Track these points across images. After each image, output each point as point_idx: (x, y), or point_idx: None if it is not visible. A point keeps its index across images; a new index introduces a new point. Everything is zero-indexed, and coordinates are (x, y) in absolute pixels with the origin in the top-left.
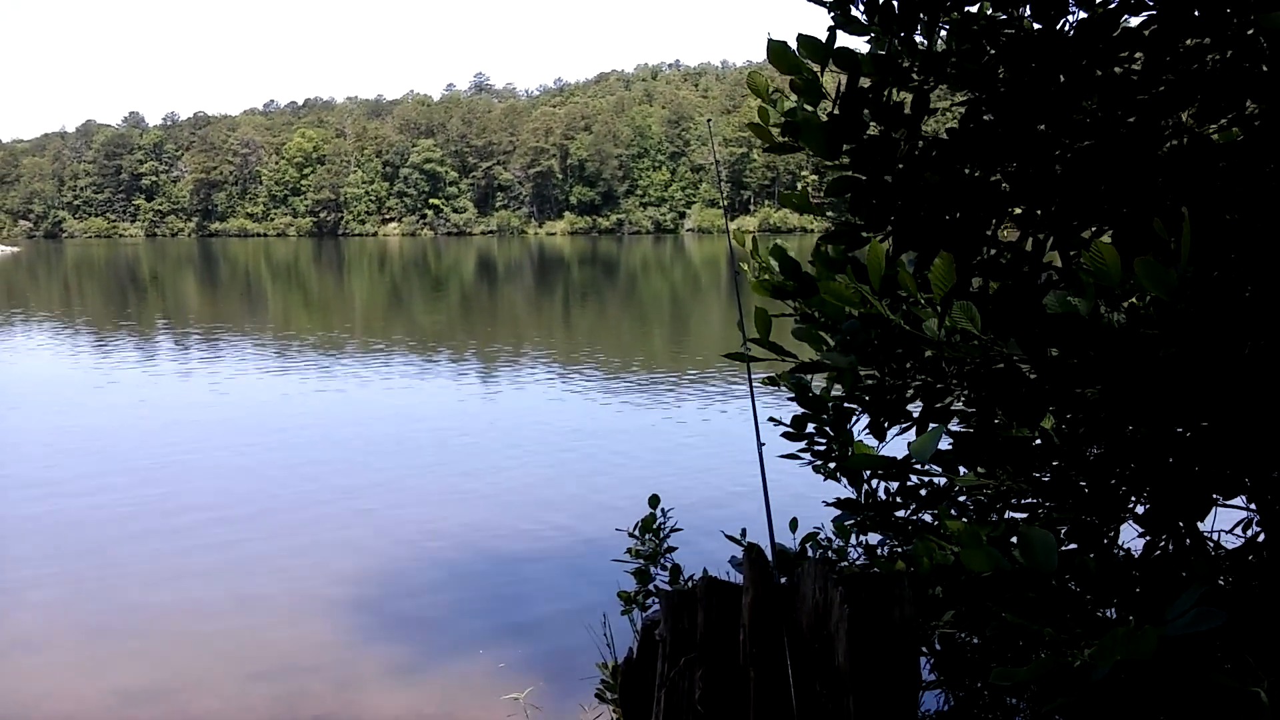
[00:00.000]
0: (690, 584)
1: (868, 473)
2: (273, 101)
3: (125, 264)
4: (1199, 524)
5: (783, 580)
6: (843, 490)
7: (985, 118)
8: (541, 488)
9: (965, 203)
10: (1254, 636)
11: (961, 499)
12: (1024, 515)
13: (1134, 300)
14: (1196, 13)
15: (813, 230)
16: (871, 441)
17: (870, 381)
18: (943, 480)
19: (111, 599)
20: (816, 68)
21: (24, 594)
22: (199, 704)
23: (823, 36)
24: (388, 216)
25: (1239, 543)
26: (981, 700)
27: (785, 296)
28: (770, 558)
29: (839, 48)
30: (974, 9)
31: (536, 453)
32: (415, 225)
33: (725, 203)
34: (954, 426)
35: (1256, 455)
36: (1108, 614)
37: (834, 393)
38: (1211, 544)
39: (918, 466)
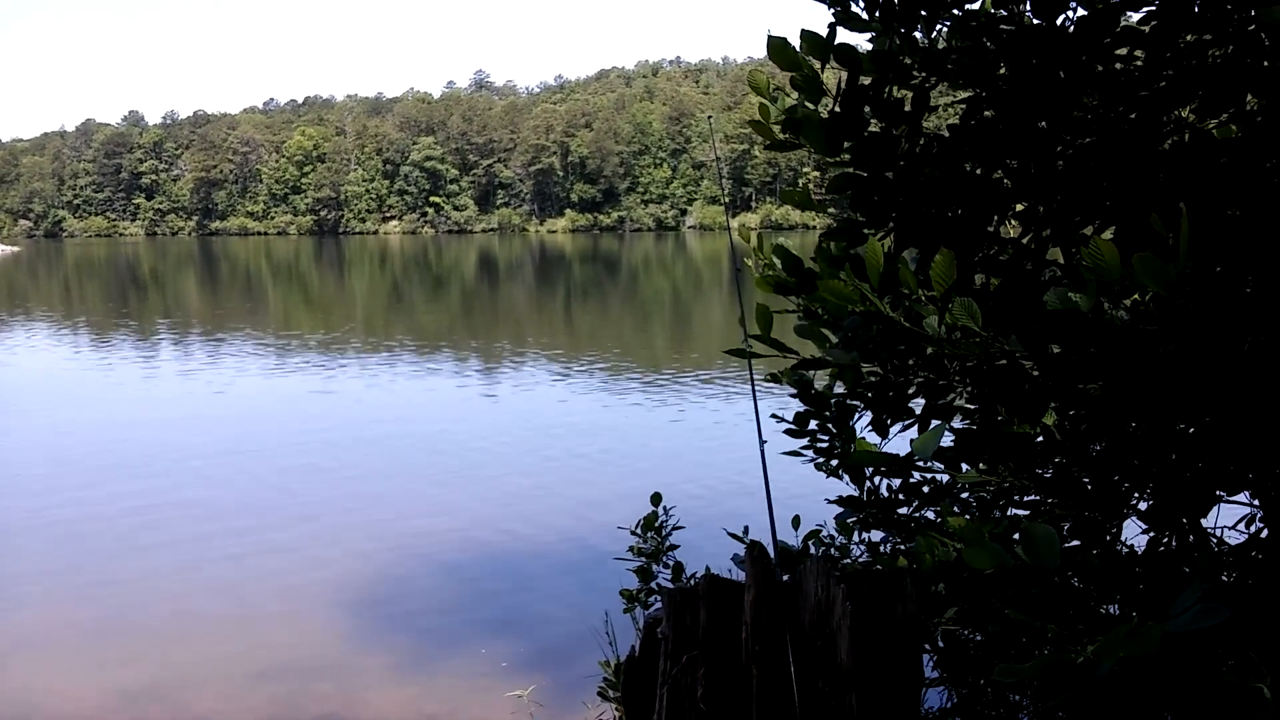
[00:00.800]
0: (692, 582)
1: (870, 470)
2: (272, 100)
3: (125, 263)
4: (1202, 520)
5: (785, 578)
6: (845, 487)
7: (986, 114)
8: (543, 486)
9: (966, 199)
10: (1257, 632)
11: (964, 496)
12: (1026, 512)
13: (1136, 297)
14: (1197, 8)
15: (814, 227)
16: (874, 438)
17: (872, 378)
18: (945, 477)
19: (113, 599)
20: (817, 64)
21: (26, 593)
22: (202, 704)
23: (823, 33)
24: (388, 214)
25: (1242, 538)
26: (984, 697)
27: (788, 293)
28: (772, 555)
29: (839, 44)
30: (974, 5)
31: (538, 451)
32: (416, 223)
33: (726, 200)
34: (956, 423)
35: (1259, 451)
36: (1111, 610)
37: (836, 390)
38: (1214, 540)
39: (920, 463)
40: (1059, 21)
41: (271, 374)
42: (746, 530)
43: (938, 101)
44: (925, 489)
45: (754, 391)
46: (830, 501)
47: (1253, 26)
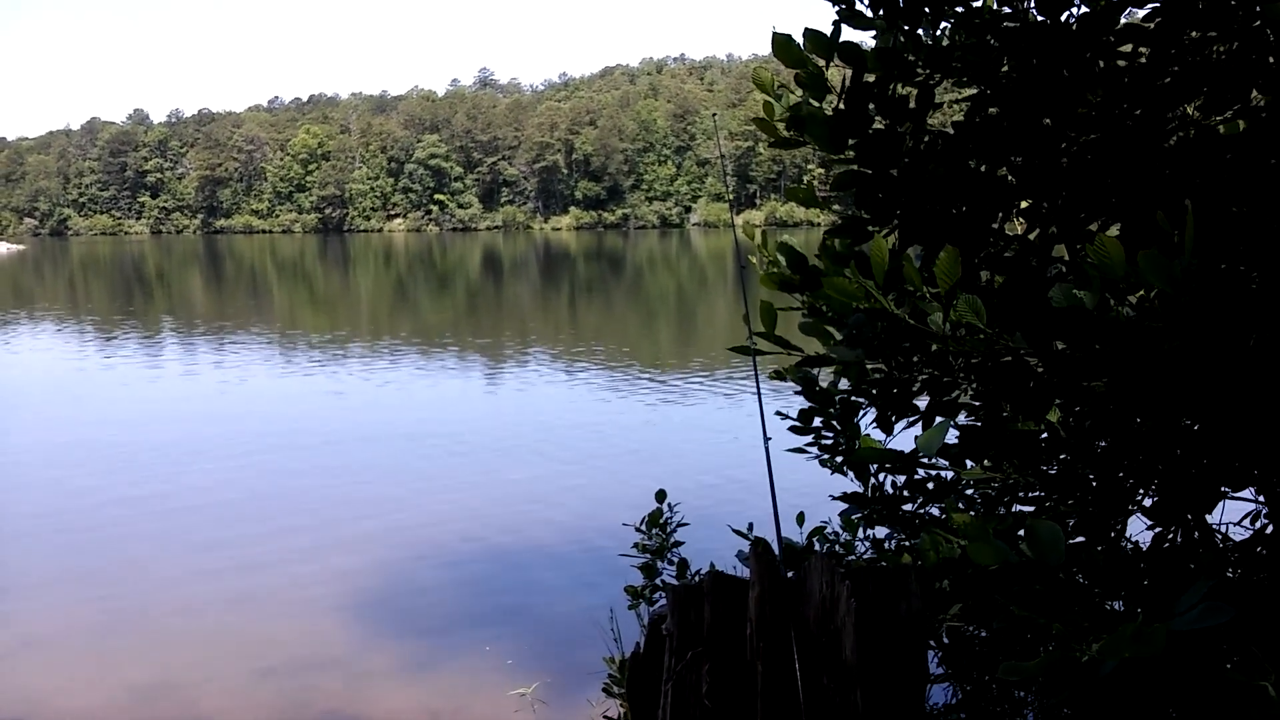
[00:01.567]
0: (697, 578)
1: (874, 466)
2: (277, 98)
3: (131, 261)
4: (1207, 516)
5: (790, 574)
6: (849, 484)
7: (990, 111)
8: (548, 483)
9: (971, 196)
10: (1262, 629)
11: (969, 492)
12: (1031, 508)
13: (1141, 293)
14: (1200, 4)
15: (819, 224)
16: (878, 435)
17: (877, 375)
18: (950, 474)
19: (121, 596)
20: (821, 62)
21: (33, 592)
22: (209, 700)
23: (828, 30)
24: (393, 213)
25: (1247, 535)
26: (989, 694)
27: (792, 290)
28: (777, 552)
29: (844, 42)
30: (978, 3)
31: (543, 448)
32: (420, 221)
33: (731, 197)
34: (961, 420)
35: (1264, 447)
36: (1115, 607)
37: (841, 386)
38: (1219, 536)
39: (925, 460)
40: (1063, 18)
41: (277, 373)
42: (751, 527)
43: (942, 98)
44: (930, 486)
45: (758, 388)
46: (835, 498)
47: (1258, 22)
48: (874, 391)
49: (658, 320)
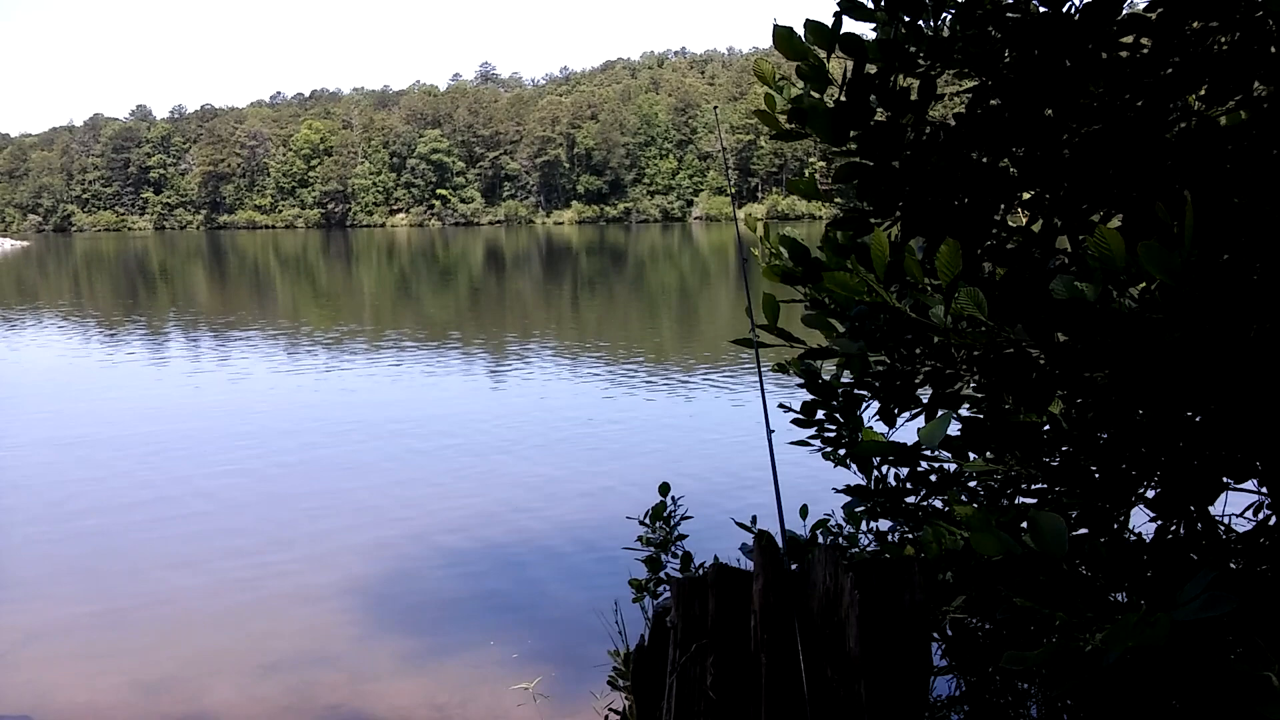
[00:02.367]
0: (701, 571)
1: (877, 459)
2: (279, 93)
3: (134, 257)
4: (1209, 508)
5: (793, 566)
6: (852, 477)
7: (992, 103)
8: (551, 477)
9: (972, 188)
10: (1264, 620)
11: (971, 484)
12: (1034, 500)
13: (1143, 285)
14: None
15: (821, 216)
16: (881, 428)
17: (880, 368)
18: (952, 466)
19: (125, 590)
20: (823, 54)
21: (38, 585)
22: (213, 694)
23: (829, 22)
24: (395, 207)
25: (1250, 526)
26: (993, 685)
27: (794, 283)
28: (781, 544)
29: (845, 33)
30: None
31: (546, 442)
32: (423, 216)
33: (733, 190)
34: (963, 412)
35: (1266, 438)
36: (1118, 598)
37: (843, 379)
38: (1222, 528)
39: (927, 452)
40: (1065, 9)
41: (280, 368)
42: (754, 520)
43: (944, 90)
44: (932, 478)
45: (761, 381)
46: (838, 491)
47: (1260, 13)
48: (876, 384)
49: (660, 314)
